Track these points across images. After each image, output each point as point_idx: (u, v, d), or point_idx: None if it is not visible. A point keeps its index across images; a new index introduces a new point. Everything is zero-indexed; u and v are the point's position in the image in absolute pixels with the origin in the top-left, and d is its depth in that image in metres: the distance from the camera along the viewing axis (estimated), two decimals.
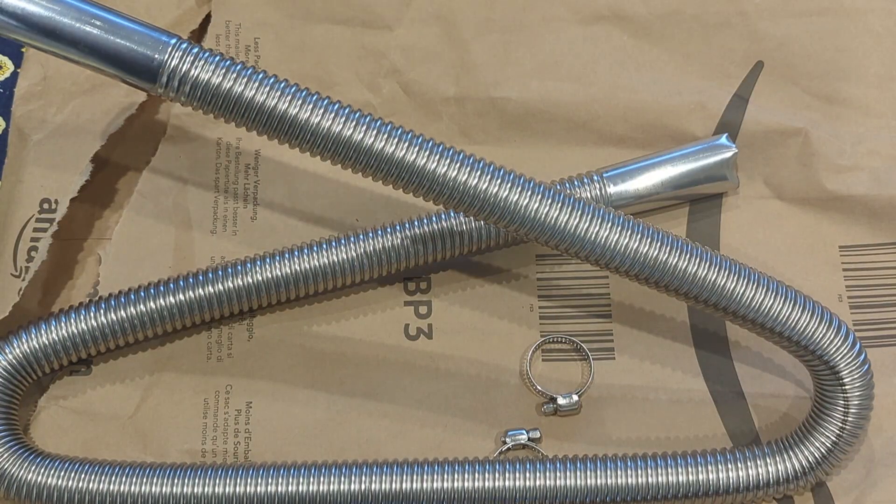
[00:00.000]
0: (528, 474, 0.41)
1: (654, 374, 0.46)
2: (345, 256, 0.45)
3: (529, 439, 0.45)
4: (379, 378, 0.46)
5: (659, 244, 0.39)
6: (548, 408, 0.45)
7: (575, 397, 0.45)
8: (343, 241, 0.45)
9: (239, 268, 0.45)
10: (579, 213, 0.38)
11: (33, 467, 0.41)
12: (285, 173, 0.50)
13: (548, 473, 0.41)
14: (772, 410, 0.46)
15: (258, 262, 0.45)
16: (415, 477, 0.41)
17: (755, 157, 0.49)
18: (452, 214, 0.46)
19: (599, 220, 0.38)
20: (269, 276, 0.44)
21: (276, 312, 0.47)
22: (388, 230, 0.45)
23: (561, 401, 0.45)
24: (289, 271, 0.45)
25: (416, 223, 0.45)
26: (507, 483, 0.41)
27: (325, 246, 0.45)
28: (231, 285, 0.44)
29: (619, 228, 0.38)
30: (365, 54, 0.52)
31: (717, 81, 0.51)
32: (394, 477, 0.41)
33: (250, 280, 0.44)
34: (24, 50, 0.51)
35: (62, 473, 0.41)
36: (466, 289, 0.48)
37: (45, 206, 0.48)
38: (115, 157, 0.50)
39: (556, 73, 0.51)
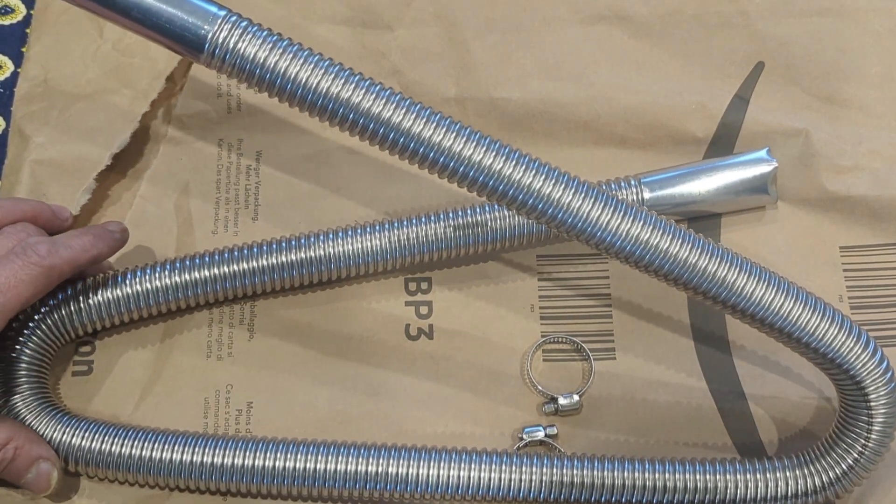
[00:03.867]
0: (545, 469, 0.41)
1: (655, 374, 0.47)
2: (350, 248, 0.45)
3: (546, 436, 0.45)
4: (380, 378, 0.46)
5: (696, 249, 0.38)
6: (548, 407, 0.45)
7: (576, 397, 0.45)
8: (350, 233, 0.45)
9: (245, 252, 0.45)
10: (612, 208, 0.38)
11: (67, 428, 0.42)
12: (286, 175, 0.50)
13: (565, 470, 0.41)
14: (773, 411, 0.46)
15: (264, 247, 0.45)
16: (431, 463, 0.41)
17: None
18: (456, 214, 0.46)
19: (632, 218, 0.38)
20: (274, 261, 0.45)
21: (277, 312, 0.47)
22: (396, 224, 0.45)
23: (562, 401, 0.45)
24: (294, 258, 0.45)
25: (424, 219, 0.46)
26: (529, 476, 0.41)
27: (331, 235, 0.45)
28: (236, 268, 0.45)
29: (653, 228, 0.38)
30: (365, 54, 0.52)
31: (717, 82, 0.51)
32: (410, 461, 0.42)
33: (255, 264, 0.45)
34: (24, 50, 0.51)
35: (92, 435, 0.42)
36: (467, 289, 0.48)
37: None
38: (118, 157, 0.50)
39: (556, 74, 0.51)
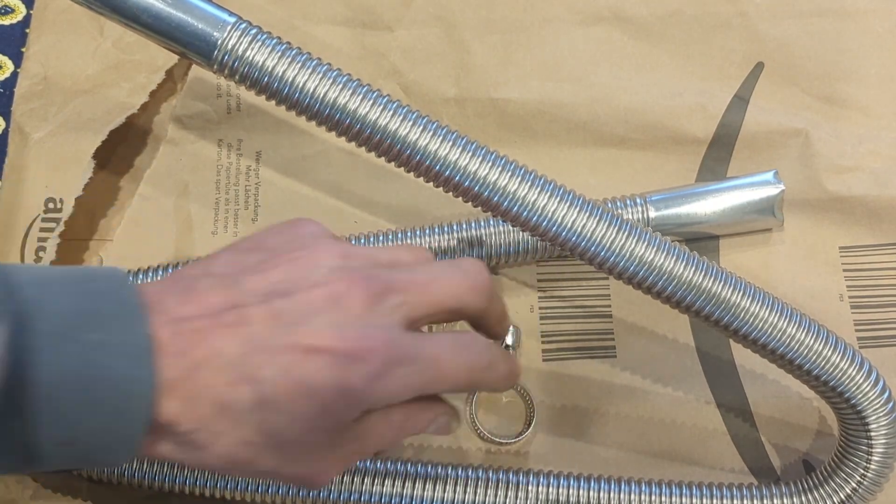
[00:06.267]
0: (542, 489, 0.41)
1: (656, 373, 0.46)
2: None
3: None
4: None
5: (699, 270, 0.38)
6: None
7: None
8: (353, 243, 0.45)
9: None
10: (615, 227, 0.37)
11: None
12: (286, 175, 0.50)
13: (561, 490, 0.41)
14: (773, 409, 0.46)
15: None
16: (426, 480, 0.41)
17: (756, 157, 0.49)
18: (461, 227, 0.46)
19: (634, 237, 0.38)
20: None
21: None
22: (399, 236, 0.46)
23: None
24: None
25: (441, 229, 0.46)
26: (525, 495, 0.41)
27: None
28: None
29: (655, 247, 0.38)
30: (365, 55, 0.52)
31: (717, 82, 0.51)
32: (406, 479, 0.41)
33: None
34: (24, 50, 0.51)
35: None
36: None
37: (51, 205, 0.48)
38: (117, 158, 0.50)
39: (556, 74, 0.51)
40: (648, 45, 0.52)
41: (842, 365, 0.39)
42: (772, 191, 0.47)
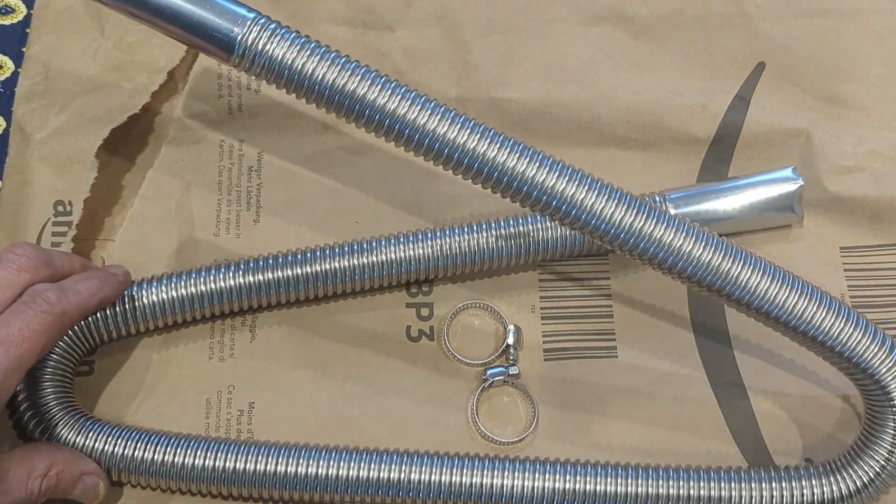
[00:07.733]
0: (548, 476, 0.41)
1: (657, 371, 0.47)
2: (355, 263, 0.45)
3: (509, 375, 0.46)
4: (381, 379, 0.46)
5: (728, 256, 0.39)
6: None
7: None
8: (355, 248, 0.46)
9: (251, 265, 0.45)
10: (642, 213, 0.38)
11: (71, 429, 0.42)
12: (288, 176, 0.50)
13: (568, 477, 0.41)
14: (774, 407, 0.46)
15: (270, 261, 0.45)
16: (433, 468, 0.42)
17: (756, 158, 0.49)
18: (461, 230, 0.46)
19: (662, 223, 0.38)
20: (280, 275, 0.45)
21: (278, 313, 0.47)
22: (403, 240, 0.46)
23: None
24: (299, 272, 0.45)
25: (433, 234, 0.46)
26: (531, 483, 0.41)
27: (337, 250, 0.46)
28: (241, 281, 0.45)
29: (683, 233, 0.38)
30: (366, 55, 0.52)
31: (718, 82, 0.51)
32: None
33: (260, 278, 0.45)
34: (24, 50, 0.51)
35: (96, 435, 0.42)
36: (468, 291, 0.48)
37: (60, 208, 0.48)
38: (119, 158, 0.50)
39: (557, 74, 0.51)
40: (649, 44, 0.52)
41: (864, 341, 0.39)
42: (790, 187, 0.47)
